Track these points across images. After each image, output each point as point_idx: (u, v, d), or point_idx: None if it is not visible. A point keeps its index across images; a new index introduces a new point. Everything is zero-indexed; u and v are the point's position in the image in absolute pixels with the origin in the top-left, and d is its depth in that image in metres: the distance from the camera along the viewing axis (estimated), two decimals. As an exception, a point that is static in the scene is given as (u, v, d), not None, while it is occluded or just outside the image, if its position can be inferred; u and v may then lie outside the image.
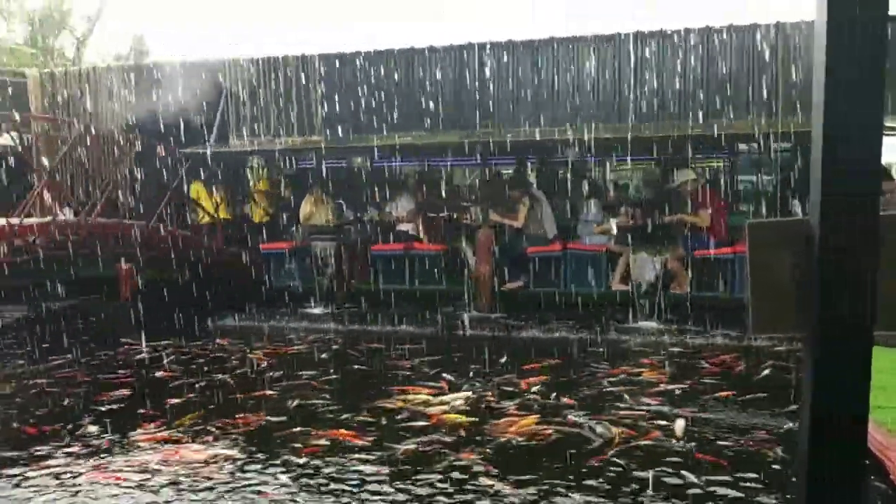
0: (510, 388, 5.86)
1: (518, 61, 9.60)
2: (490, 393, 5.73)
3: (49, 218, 8.14)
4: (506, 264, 9.34)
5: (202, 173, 10.56)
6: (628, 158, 11.44)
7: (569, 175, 10.73)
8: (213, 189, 10.67)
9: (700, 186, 9.29)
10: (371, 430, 4.97)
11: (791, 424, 4.91)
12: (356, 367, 6.83)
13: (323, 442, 4.76)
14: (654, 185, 10.25)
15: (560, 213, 9.81)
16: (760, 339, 7.20)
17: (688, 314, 8.17)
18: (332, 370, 6.60)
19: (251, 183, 11.02)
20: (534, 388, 5.83)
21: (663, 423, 4.99)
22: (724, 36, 8.78)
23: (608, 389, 5.85)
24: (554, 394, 5.69)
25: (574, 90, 9.41)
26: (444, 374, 6.26)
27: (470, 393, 5.69)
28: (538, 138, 9.04)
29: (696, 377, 6.15)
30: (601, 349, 7.23)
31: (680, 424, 4.90)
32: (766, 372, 6.26)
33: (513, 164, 11.96)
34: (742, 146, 10.70)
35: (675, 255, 8.66)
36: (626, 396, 5.62)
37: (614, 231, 8.96)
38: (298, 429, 5.01)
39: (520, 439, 4.75)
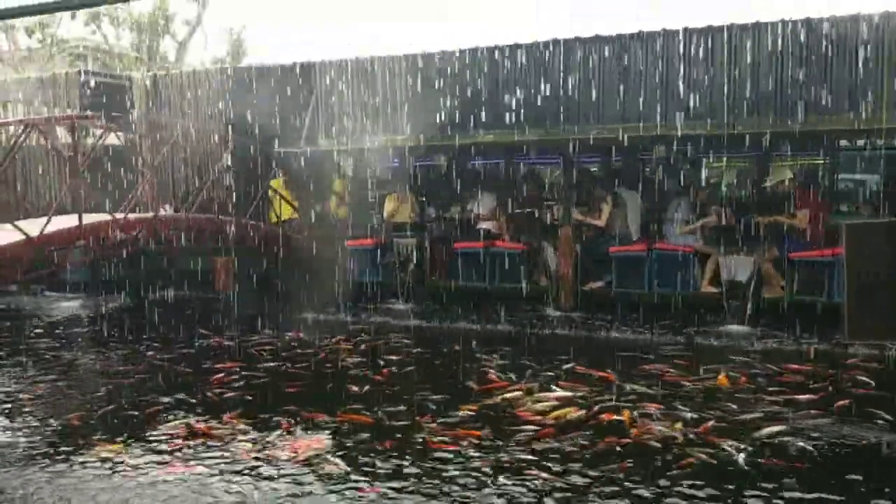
0: (596, 389, 5.78)
1: (605, 56, 9.41)
2: (580, 393, 5.67)
3: (151, 214, 8.61)
4: (588, 264, 9.21)
5: (291, 172, 10.88)
6: (720, 155, 11.03)
7: (657, 173, 10.44)
8: (290, 187, 10.94)
9: (798, 185, 8.88)
10: (474, 427, 4.98)
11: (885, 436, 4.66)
12: (440, 363, 6.87)
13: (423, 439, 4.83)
14: (750, 184, 9.85)
15: (646, 212, 9.57)
16: (857, 347, 6.82)
17: (781, 319, 7.82)
18: (415, 366, 6.68)
19: (335, 181, 11.21)
20: (619, 390, 5.74)
21: (751, 428, 4.83)
22: (824, 27, 8.32)
23: (691, 394, 5.68)
24: (632, 386, 5.60)
25: (663, 85, 9.15)
26: (529, 373, 6.25)
27: (568, 393, 5.64)
28: (625, 135, 8.83)
29: (783, 385, 5.88)
30: (687, 352, 7.01)
31: (769, 431, 4.76)
32: (861, 380, 5.92)
33: (599, 162, 11.76)
34: (843, 143, 10.13)
35: (768, 257, 8.31)
36: (712, 402, 5.45)
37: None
38: (397, 424, 5.08)
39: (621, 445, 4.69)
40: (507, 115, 9.70)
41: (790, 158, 10.26)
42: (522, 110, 9.67)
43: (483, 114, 9.82)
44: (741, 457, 4.39)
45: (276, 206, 10.64)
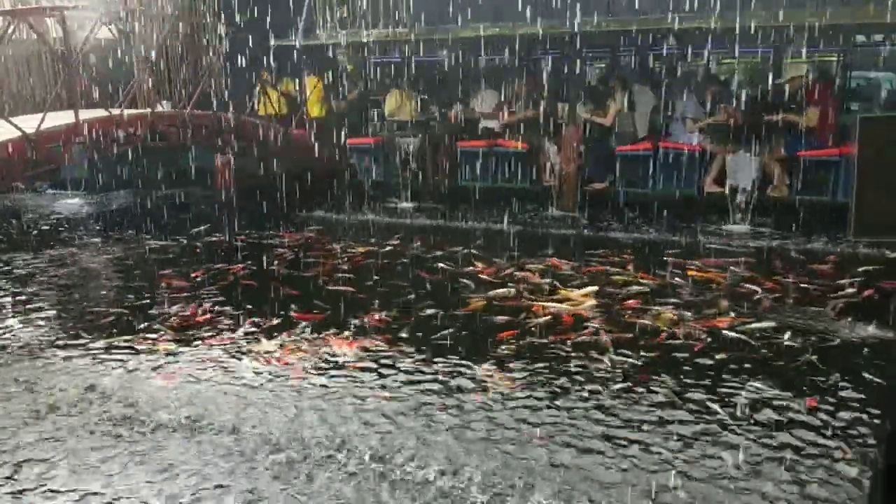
0: (600, 284, 5.87)
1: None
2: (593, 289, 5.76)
3: (148, 109, 8.43)
4: (592, 163, 9.11)
5: (284, 67, 10.53)
6: (732, 52, 10.67)
7: (665, 69, 10.16)
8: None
9: (810, 83, 8.64)
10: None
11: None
12: (446, 264, 6.83)
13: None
14: (760, 81, 9.57)
15: (655, 109, 9.36)
16: (861, 246, 6.83)
17: (785, 218, 7.81)
18: (420, 265, 6.70)
19: (312, 79, 10.77)
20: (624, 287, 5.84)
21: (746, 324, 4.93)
22: None
23: (686, 293, 5.75)
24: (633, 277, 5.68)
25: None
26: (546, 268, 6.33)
27: (591, 288, 5.73)
28: (634, 28, 8.53)
29: (779, 283, 5.93)
30: (686, 251, 7.02)
31: (757, 326, 4.91)
32: (857, 279, 5.95)
33: (606, 57, 11.41)
34: (860, 38, 9.78)
35: (774, 156, 8.20)
36: (705, 297, 5.53)
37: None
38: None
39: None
40: (512, 7, 9.32)
41: (804, 54, 9.94)
42: (527, 2, 9.29)
43: (486, 6, 9.44)
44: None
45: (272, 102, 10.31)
